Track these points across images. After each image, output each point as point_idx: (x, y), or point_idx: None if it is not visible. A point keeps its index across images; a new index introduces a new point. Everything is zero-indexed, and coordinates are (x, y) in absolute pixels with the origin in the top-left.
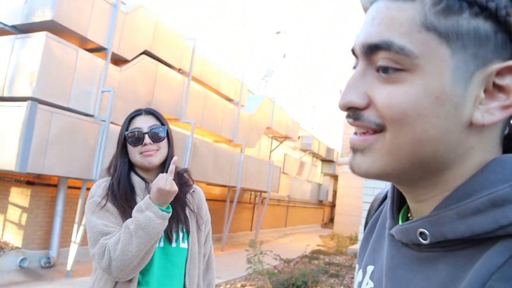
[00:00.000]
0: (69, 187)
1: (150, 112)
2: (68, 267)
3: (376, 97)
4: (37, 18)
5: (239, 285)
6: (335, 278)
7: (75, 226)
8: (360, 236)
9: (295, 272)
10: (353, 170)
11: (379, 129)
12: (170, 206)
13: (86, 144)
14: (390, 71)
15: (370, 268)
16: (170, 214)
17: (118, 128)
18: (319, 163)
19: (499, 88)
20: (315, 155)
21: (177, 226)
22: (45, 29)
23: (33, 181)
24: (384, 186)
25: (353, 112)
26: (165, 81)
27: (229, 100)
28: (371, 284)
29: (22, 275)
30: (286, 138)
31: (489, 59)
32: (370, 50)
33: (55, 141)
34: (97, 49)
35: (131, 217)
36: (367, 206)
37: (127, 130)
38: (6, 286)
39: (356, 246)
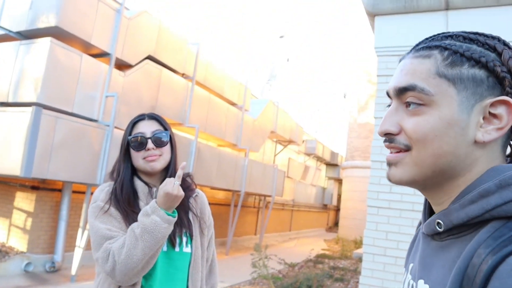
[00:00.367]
0: (74, 192)
1: (153, 117)
2: (73, 272)
3: (405, 125)
4: (42, 24)
5: None
6: (340, 282)
7: (80, 230)
8: (366, 240)
9: (300, 276)
10: (390, 179)
11: (407, 149)
12: (175, 211)
13: (91, 149)
14: (414, 106)
15: (410, 266)
16: (176, 218)
17: (122, 133)
18: (323, 167)
19: (494, 116)
20: (319, 159)
21: (181, 230)
22: (49, 35)
23: (38, 186)
24: (389, 190)
25: (389, 137)
26: (168, 85)
27: (233, 104)
28: (409, 277)
29: (27, 279)
30: (290, 142)
31: (484, 95)
32: (400, 92)
33: (59, 146)
34: (101, 55)
35: (134, 221)
36: (372, 210)
37: (130, 135)
38: None
39: (361, 250)
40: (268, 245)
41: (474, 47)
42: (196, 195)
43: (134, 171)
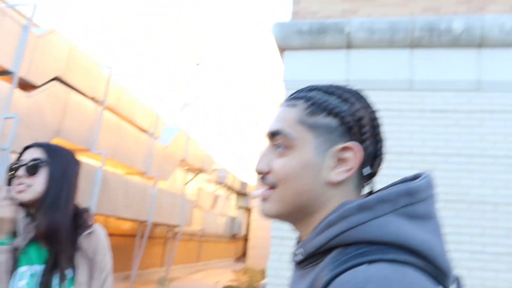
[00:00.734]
0: None
1: (41, 145)
2: None
3: (273, 166)
4: None
5: None
6: None
7: None
8: (269, 271)
9: None
10: (261, 213)
11: (274, 186)
12: (5, 241)
13: None
14: (281, 148)
15: None
16: (2, 245)
17: None
18: (233, 196)
19: (344, 159)
20: (229, 188)
21: (63, 270)
22: None
23: None
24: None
25: (261, 175)
26: (76, 109)
27: (144, 131)
28: None
29: None
30: (200, 171)
31: (336, 141)
32: (272, 135)
33: None
34: (3, 73)
35: None
36: (276, 241)
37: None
38: None
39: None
40: (174, 278)
41: (332, 99)
42: (91, 232)
43: None
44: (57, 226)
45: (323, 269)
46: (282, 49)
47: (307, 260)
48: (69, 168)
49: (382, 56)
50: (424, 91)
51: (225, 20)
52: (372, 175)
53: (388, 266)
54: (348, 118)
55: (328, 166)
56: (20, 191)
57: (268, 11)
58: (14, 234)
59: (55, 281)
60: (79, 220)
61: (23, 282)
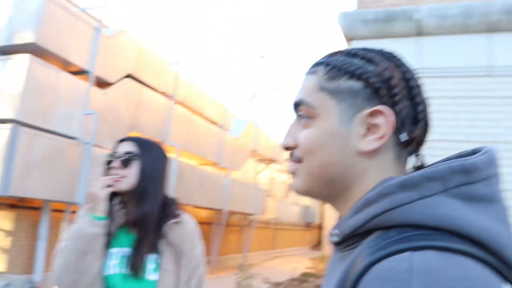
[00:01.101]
0: (53, 210)
1: (132, 140)
2: None
3: (299, 138)
4: (19, 40)
5: None
6: None
7: None
8: None
9: None
10: (293, 190)
11: (300, 160)
12: (103, 217)
13: (69, 167)
14: (305, 119)
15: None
16: (98, 220)
17: (102, 151)
18: None
19: (374, 125)
20: None
21: (144, 255)
22: (27, 52)
23: (16, 204)
24: None
25: (288, 150)
26: (148, 104)
27: (214, 123)
28: None
29: None
30: (271, 161)
31: (362, 106)
32: (295, 106)
33: (38, 163)
34: (80, 72)
35: None
36: None
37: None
38: None
39: None
40: (252, 264)
41: (355, 61)
42: (178, 222)
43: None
44: (145, 215)
45: (360, 253)
46: (349, 39)
47: (345, 242)
48: (159, 162)
49: (455, 42)
50: (505, 77)
51: (290, 11)
52: (418, 144)
53: (438, 254)
54: (373, 79)
55: (356, 134)
56: (115, 181)
57: (333, 1)
58: (108, 216)
59: (140, 264)
60: (166, 210)
61: (114, 262)
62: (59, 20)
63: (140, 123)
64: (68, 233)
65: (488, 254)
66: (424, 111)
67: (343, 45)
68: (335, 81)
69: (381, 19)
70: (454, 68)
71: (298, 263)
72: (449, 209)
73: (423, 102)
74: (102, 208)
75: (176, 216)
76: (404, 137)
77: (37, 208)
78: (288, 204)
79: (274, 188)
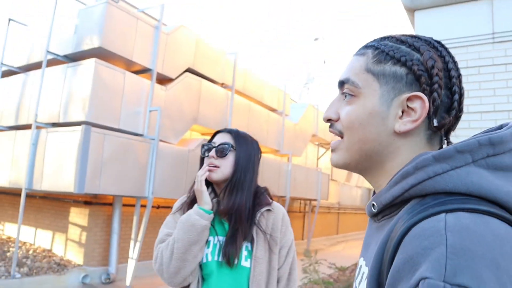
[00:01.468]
0: (124, 205)
1: (229, 131)
2: (127, 283)
3: (341, 113)
4: (86, 46)
5: None
6: None
7: (132, 242)
8: None
9: (352, 280)
10: (332, 164)
11: (341, 135)
12: (212, 211)
13: (138, 163)
14: (349, 97)
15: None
16: (208, 214)
17: (167, 146)
18: None
19: (411, 109)
20: None
21: (239, 243)
22: (93, 56)
23: (90, 201)
24: None
25: (330, 122)
26: (209, 96)
27: (273, 110)
28: (361, 259)
29: None
30: None
31: (403, 91)
32: (340, 84)
33: (108, 161)
34: (143, 71)
35: None
36: None
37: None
38: None
39: None
40: (316, 249)
41: (402, 47)
42: (269, 210)
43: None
44: (239, 206)
45: (399, 219)
46: (411, 11)
47: (382, 212)
48: (253, 154)
49: None
50: None
51: None
52: (448, 130)
53: (469, 215)
54: (416, 67)
55: (394, 115)
56: (210, 171)
57: None
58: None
59: (235, 252)
60: (258, 199)
61: (209, 250)
62: (121, 23)
63: (201, 116)
64: (178, 224)
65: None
66: (459, 100)
67: (404, 20)
68: (382, 65)
69: None
70: None
71: None
72: (477, 178)
73: (459, 92)
74: (208, 201)
75: (267, 204)
76: (436, 122)
77: (109, 204)
78: (351, 187)
79: (335, 172)
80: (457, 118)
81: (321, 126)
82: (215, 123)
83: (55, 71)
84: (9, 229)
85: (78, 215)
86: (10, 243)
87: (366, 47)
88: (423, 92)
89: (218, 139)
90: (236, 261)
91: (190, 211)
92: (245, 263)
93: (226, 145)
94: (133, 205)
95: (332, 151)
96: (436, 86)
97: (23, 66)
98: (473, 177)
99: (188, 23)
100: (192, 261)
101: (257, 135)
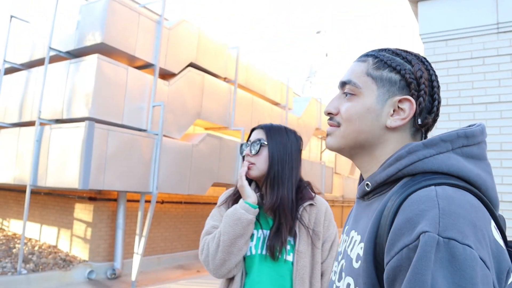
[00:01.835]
0: (128, 201)
1: (261, 127)
2: (133, 278)
3: (341, 108)
4: (88, 42)
5: None
6: None
7: (137, 237)
8: None
9: None
10: (326, 146)
11: (339, 125)
12: (256, 205)
13: (142, 158)
14: (349, 95)
15: (346, 228)
16: (253, 208)
17: (171, 141)
18: None
19: (400, 109)
20: None
21: (283, 238)
22: (96, 52)
23: (95, 197)
24: None
25: (330, 116)
26: (212, 91)
27: (276, 104)
28: (343, 236)
29: (91, 286)
30: None
31: (396, 93)
32: (342, 84)
33: (112, 157)
34: (145, 66)
35: None
36: None
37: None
38: None
39: None
40: None
41: (397, 59)
42: (312, 204)
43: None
44: (280, 200)
45: (393, 194)
46: (415, 2)
47: (374, 191)
48: (288, 146)
49: None
50: None
51: None
52: (427, 129)
53: (452, 188)
54: (408, 75)
55: (386, 113)
56: (248, 168)
57: None
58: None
59: (278, 246)
60: (301, 193)
61: (253, 243)
62: (123, 18)
63: (204, 110)
64: (225, 217)
65: (480, 194)
66: (437, 106)
67: (408, 12)
68: (380, 71)
69: None
70: None
71: None
72: (456, 162)
73: (438, 100)
74: (250, 194)
75: (310, 198)
76: (420, 121)
77: (114, 200)
78: (355, 180)
79: (339, 166)
80: (434, 121)
81: (324, 120)
82: (219, 118)
83: (58, 67)
84: (14, 226)
85: (83, 211)
86: (15, 240)
87: (367, 55)
88: (412, 96)
89: (253, 137)
90: (279, 255)
91: (236, 205)
92: (288, 257)
93: (258, 141)
94: (137, 201)
95: (328, 135)
96: (422, 92)
97: (25, 63)
98: (452, 161)
99: (188, 16)
100: (237, 253)
101: None
